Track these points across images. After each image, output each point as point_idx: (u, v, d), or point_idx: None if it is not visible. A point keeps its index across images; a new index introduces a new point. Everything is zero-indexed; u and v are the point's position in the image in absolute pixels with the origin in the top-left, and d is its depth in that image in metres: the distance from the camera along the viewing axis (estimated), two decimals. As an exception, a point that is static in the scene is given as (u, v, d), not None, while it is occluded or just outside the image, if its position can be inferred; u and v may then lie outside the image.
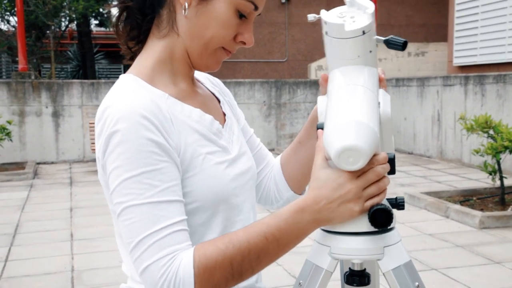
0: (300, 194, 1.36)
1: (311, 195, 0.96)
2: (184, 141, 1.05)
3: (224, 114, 1.22)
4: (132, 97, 1.01)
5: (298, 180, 1.33)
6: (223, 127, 1.17)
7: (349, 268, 1.05)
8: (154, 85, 1.08)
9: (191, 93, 1.15)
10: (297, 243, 0.99)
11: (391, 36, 1.03)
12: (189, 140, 1.06)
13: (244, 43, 1.12)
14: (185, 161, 1.04)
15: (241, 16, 1.08)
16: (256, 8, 1.09)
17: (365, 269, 1.05)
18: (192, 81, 1.18)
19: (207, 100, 1.19)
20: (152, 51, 1.12)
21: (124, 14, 1.13)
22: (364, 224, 0.97)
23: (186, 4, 1.07)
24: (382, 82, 1.07)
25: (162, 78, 1.10)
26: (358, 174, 0.94)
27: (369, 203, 0.95)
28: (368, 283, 1.05)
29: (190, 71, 1.15)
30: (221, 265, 0.94)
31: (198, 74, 1.27)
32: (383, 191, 0.96)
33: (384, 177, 0.96)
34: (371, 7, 0.99)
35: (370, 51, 1.01)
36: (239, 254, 0.95)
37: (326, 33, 1.00)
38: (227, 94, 1.32)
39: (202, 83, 1.26)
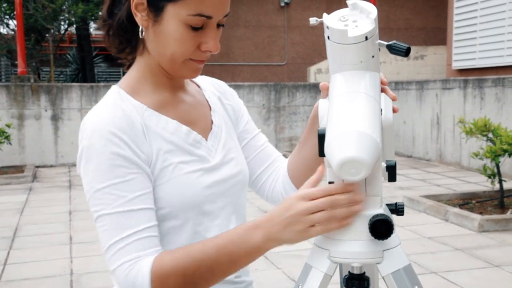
0: None
1: (268, 214, 1.02)
2: (156, 151, 1.12)
3: (212, 122, 1.25)
4: (106, 113, 1.10)
5: (302, 181, 1.34)
6: (208, 135, 1.21)
7: (349, 271, 1.05)
8: (137, 96, 1.16)
9: (173, 102, 1.20)
10: (250, 259, 1.04)
11: (394, 41, 1.01)
12: (162, 149, 1.13)
13: (210, 51, 1.14)
14: (155, 170, 1.12)
15: (196, 28, 1.10)
16: (209, 17, 1.09)
17: (364, 272, 1.05)
18: (177, 90, 1.22)
19: (192, 109, 1.23)
20: (137, 66, 1.19)
21: (111, 30, 1.18)
22: (363, 234, 0.97)
23: (142, 27, 1.12)
24: (385, 85, 1.08)
25: (144, 89, 1.17)
26: (312, 197, 0.97)
27: (313, 230, 0.97)
28: (367, 286, 1.05)
29: (171, 81, 1.20)
30: (174, 274, 1.03)
31: (201, 80, 1.32)
32: (338, 220, 0.96)
33: (342, 207, 0.96)
34: (374, 12, 0.98)
35: (373, 56, 1.00)
36: (192, 264, 1.03)
37: (328, 37, 0.99)
38: (230, 97, 1.36)
39: (201, 89, 1.30)
